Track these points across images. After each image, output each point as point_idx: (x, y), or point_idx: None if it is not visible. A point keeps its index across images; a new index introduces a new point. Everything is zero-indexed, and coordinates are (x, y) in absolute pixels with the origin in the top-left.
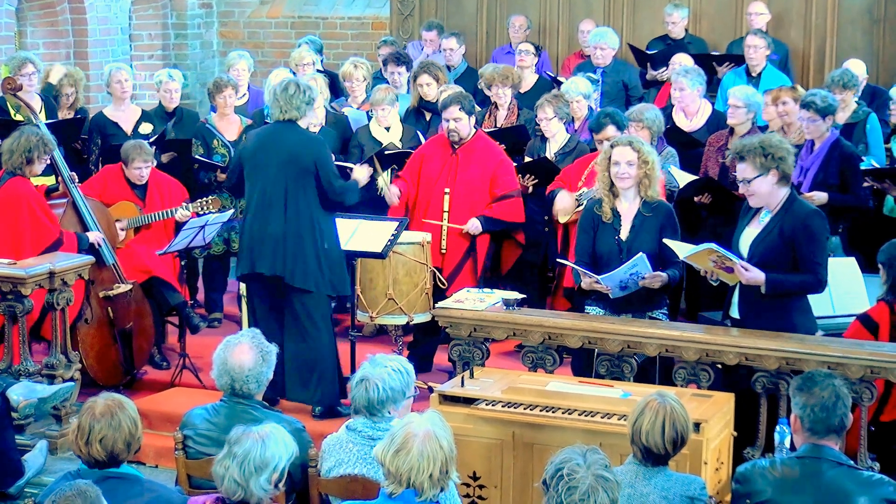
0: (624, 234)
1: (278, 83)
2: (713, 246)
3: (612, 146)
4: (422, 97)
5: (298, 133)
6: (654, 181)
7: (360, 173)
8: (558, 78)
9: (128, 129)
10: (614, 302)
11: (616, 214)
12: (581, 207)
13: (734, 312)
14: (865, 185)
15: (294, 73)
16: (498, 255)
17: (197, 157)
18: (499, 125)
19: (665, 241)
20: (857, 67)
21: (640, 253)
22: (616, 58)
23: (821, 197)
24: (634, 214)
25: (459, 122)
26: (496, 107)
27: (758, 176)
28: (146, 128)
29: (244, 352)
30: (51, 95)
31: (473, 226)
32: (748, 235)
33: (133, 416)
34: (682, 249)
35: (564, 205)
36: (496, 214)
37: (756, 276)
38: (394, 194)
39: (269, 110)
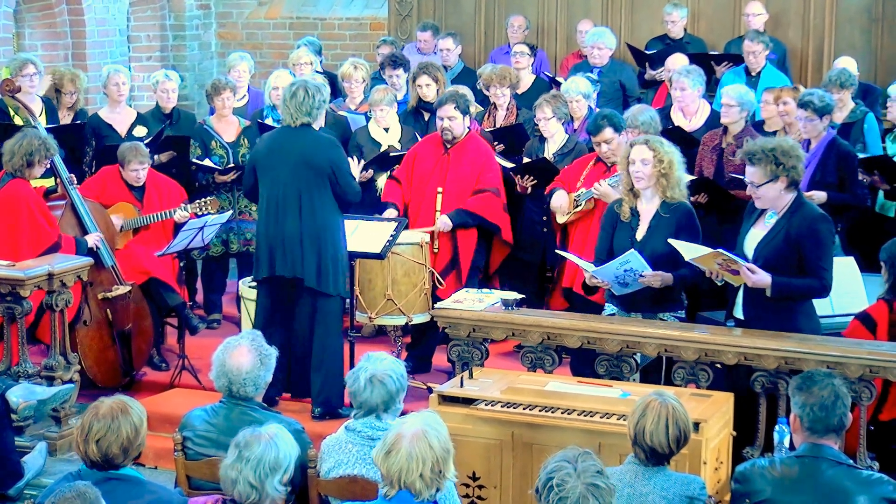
0: (640, 233)
1: (286, 88)
2: (720, 250)
3: (630, 145)
4: (421, 98)
5: (312, 135)
6: (675, 182)
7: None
8: (556, 78)
9: (122, 131)
10: (626, 301)
11: (635, 214)
12: (580, 209)
13: (738, 313)
14: (860, 178)
15: (293, 74)
16: (488, 255)
17: (194, 160)
18: (498, 125)
19: (670, 240)
20: (847, 66)
21: (632, 249)
22: (613, 58)
23: (820, 196)
24: (652, 215)
25: (454, 121)
26: (495, 107)
27: (767, 182)
28: (140, 131)
29: (243, 354)
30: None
31: (442, 223)
32: (754, 237)
33: (136, 422)
34: (688, 251)
35: (560, 203)
36: (469, 207)
37: (763, 278)
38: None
39: (280, 116)
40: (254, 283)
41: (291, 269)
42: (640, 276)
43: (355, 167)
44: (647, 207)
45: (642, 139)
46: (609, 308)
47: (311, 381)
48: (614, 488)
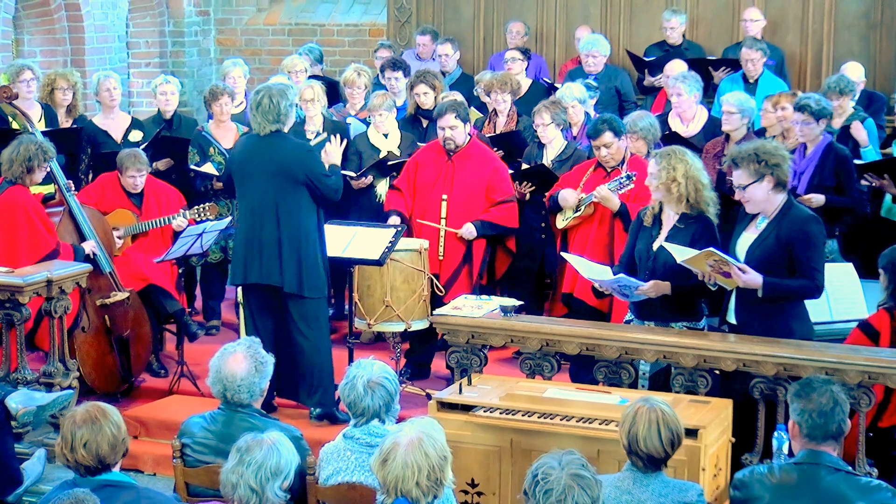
0: (657, 242)
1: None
2: (712, 249)
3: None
4: (419, 106)
5: (286, 142)
6: (684, 194)
7: (334, 153)
8: (555, 84)
9: (117, 137)
10: (641, 309)
11: (658, 223)
12: (580, 213)
13: (731, 318)
14: (864, 182)
15: (290, 80)
16: (492, 262)
17: (192, 166)
18: (498, 132)
19: (662, 243)
20: (854, 71)
21: (621, 274)
22: (608, 64)
23: (818, 199)
24: (671, 226)
25: (455, 130)
26: (496, 113)
27: (752, 182)
28: (136, 135)
29: (238, 361)
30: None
31: (468, 230)
32: (745, 240)
33: (115, 420)
34: (679, 252)
35: (569, 198)
36: (492, 219)
37: (753, 278)
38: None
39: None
40: None
41: (265, 276)
42: (636, 287)
43: (337, 149)
44: (669, 217)
45: (653, 152)
46: (628, 315)
47: (306, 382)
48: (601, 483)
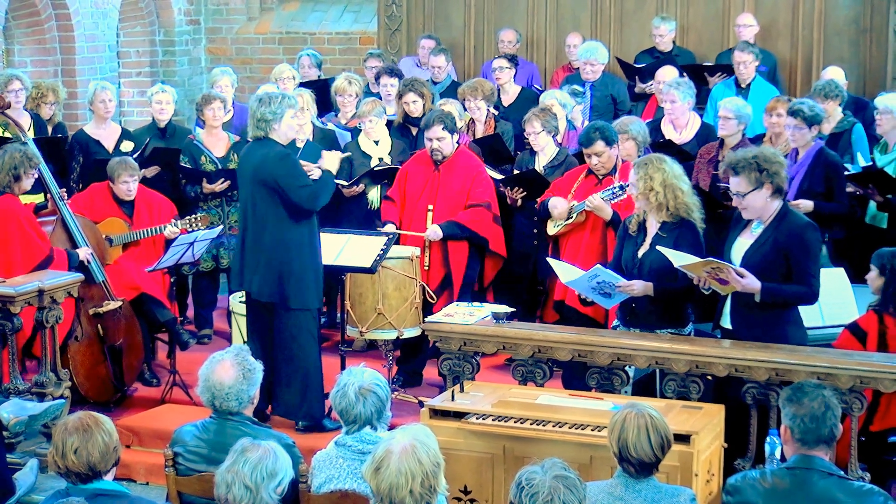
0: (643, 249)
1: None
2: (711, 258)
3: None
4: (407, 114)
5: (265, 149)
6: (664, 201)
7: (330, 159)
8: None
9: (109, 146)
10: (626, 316)
11: (643, 230)
12: (571, 221)
13: (725, 323)
14: (848, 190)
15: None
16: (481, 269)
17: (182, 164)
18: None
19: (658, 247)
20: (835, 76)
21: (597, 265)
22: (604, 72)
23: (807, 205)
24: (654, 233)
25: (443, 142)
26: (473, 121)
27: (752, 190)
28: (127, 146)
29: (226, 369)
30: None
31: (433, 231)
32: (741, 245)
33: (107, 428)
34: (677, 258)
35: (559, 206)
36: (460, 220)
37: (752, 283)
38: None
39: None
40: (244, 299)
41: (248, 285)
42: (617, 286)
43: (335, 157)
44: (653, 224)
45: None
46: (615, 322)
47: (290, 394)
48: (584, 484)
